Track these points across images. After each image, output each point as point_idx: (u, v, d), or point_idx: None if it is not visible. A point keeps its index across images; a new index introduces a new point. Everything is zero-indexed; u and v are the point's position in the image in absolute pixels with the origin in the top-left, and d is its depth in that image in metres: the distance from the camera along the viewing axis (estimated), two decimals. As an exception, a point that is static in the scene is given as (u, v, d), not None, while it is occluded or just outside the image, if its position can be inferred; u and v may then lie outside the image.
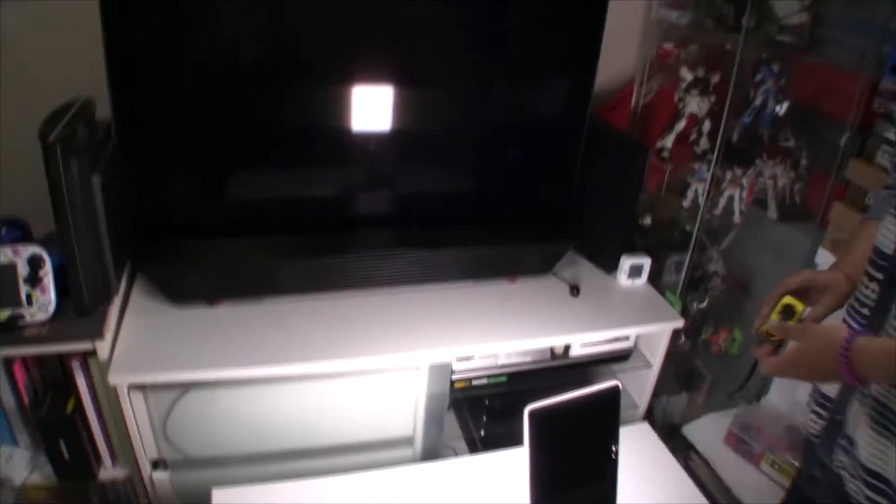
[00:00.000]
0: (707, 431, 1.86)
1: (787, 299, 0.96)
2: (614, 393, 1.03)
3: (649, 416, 1.75)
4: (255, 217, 1.44)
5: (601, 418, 1.04)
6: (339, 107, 1.37)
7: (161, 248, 1.37)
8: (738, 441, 1.78)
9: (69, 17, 1.49)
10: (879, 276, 0.88)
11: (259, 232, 1.41)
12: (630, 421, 1.68)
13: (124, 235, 1.38)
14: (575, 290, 1.54)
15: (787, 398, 1.75)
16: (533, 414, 0.96)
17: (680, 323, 1.57)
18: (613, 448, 1.05)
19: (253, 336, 1.36)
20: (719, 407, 1.94)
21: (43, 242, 1.31)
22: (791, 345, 0.91)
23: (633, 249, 1.65)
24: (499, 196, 1.59)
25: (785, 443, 1.66)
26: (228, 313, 1.43)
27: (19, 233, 1.39)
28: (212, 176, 1.40)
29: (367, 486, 1.18)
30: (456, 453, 1.54)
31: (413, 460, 1.48)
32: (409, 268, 1.47)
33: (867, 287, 0.90)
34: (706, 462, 1.80)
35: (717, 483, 1.76)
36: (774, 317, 0.96)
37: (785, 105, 1.56)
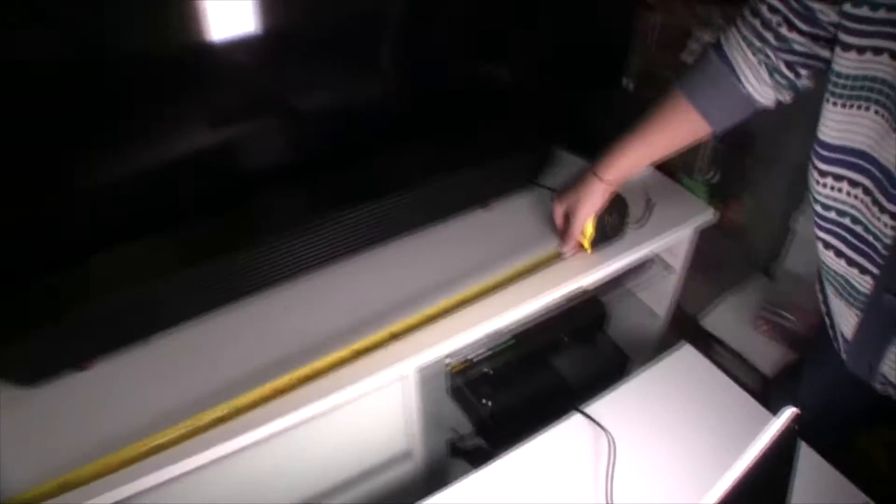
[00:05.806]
0: (728, 321, 1.61)
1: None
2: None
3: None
4: (106, 220, 0.94)
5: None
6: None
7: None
8: (773, 325, 1.54)
9: None
10: None
11: (118, 240, 0.92)
12: (651, 330, 1.40)
13: None
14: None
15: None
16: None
17: (710, 214, 1.23)
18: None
19: (160, 395, 0.91)
20: (729, 286, 1.69)
21: None
22: None
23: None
24: (440, 100, 1.14)
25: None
26: (107, 374, 0.94)
27: None
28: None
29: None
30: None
31: (415, 472, 1.15)
32: (347, 233, 1.05)
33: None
34: (738, 355, 1.56)
35: (753, 375, 1.54)
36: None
37: None
